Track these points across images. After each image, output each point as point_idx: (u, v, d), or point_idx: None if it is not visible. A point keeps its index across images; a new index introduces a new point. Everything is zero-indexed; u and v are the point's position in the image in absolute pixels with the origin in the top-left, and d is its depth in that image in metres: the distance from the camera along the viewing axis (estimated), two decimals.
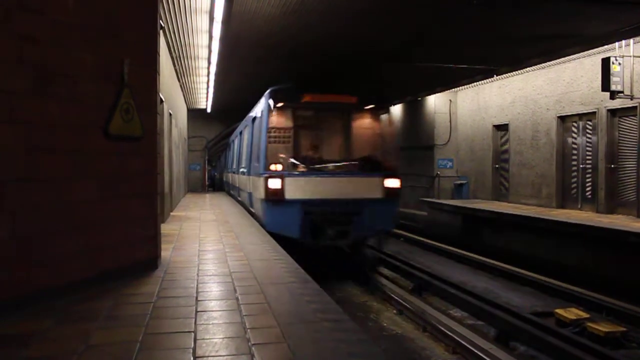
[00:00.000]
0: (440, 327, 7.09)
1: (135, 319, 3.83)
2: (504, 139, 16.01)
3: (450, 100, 18.33)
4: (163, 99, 9.20)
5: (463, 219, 14.38)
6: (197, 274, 5.37)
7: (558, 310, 7.60)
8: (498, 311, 7.59)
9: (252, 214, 11.74)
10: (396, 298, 8.78)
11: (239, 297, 4.45)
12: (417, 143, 19.16)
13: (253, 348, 3.23)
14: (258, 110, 11.08)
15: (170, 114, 11.67)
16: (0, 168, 3.94)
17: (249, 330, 3.58)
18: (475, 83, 16.11)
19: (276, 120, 10.23)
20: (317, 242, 9.32)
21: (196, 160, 27.17)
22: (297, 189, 9.24)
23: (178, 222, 10.51)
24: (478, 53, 11.76)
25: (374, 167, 10.11)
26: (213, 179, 32.55)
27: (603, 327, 6.64)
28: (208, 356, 3.11)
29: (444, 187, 17.65)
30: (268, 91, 10.28)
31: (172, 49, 11.66)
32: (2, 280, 3.95)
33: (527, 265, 10.80)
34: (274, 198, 9.11)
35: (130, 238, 5.32)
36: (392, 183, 9.81)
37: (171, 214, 12.03)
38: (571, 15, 8.70)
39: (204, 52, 11.95)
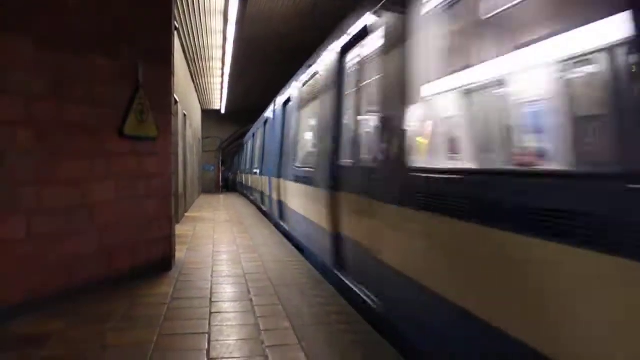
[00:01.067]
0: None
1: (149, 319, 3.83)
2: None
3: None
4: (177, 100, 9.25)
5: None
6: (212, 275, 5.37)
7: None
8: None
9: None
10: None
11: (253, 299, 4.44)
12: None
13: (267, 350, 3.22)
14: None
15: (184, 115, 11.73)
16: (17, 169, 3.97)
17: (263, 332, 3.56)
18: None
19: None
20: None
21: (210, 161, 27.32)
22: None
23: (192, 223, 10.55)
24: None
25: None
26: (227, 179, 32.69)
27: None
28: (222, 358, 3.10)
29: None
30: None
31: (186, 50, 11.71)
32: (19, 281, 3.99)
33: None
34: None
35: (145, 238, 5.34)
36: None
37: (185, 214, 12.09)
38: None
39: (218, 53, 11.99)
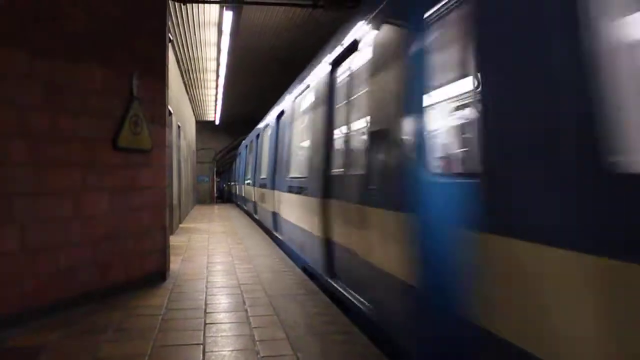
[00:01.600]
0: None
1: (144, 331, 3.81)
2: None
3: None
4: (172, 111, 9.26)
5: None
6: (206, 286, 5.35)
7: None
8: None
9: None
10: None
11: (248, 309, 4.43)
12: None
13: None
14: None
15: (178, 126, 11.74)
16: (11, 182, 3.96)
17: (258, 342, 3.55)
18: None
19: None
20: None
21: (204, 172, 27.29)
22: None
23: (187, 234, 10.51)
24: None
25: None
26: (222, 190, 32.64)
27: None
28: None
29: None
30: None
31: (180, 62, 11.76)
32: (12, 293, 3.96)
33: None
34: None
35: (139, 250, 5.32)
36: None
37: (180, 225, 12.05)
38: None
39: (212, 65, 12.05)
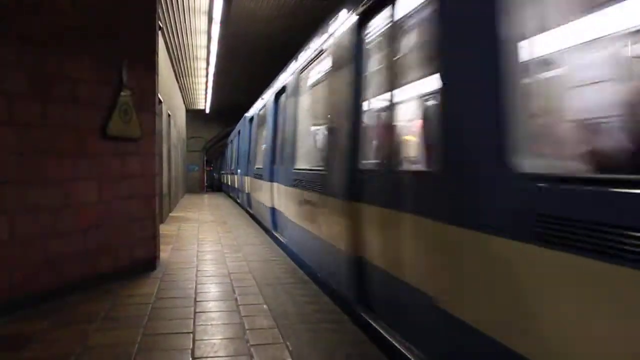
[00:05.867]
0: None
1: (133, 320, 3.82)
2: None
3: None
4: (162, 100, 9.19)
5: None
6: (196, 275, 5.36)
7: None
8: None
9: None
10: None
11: (238, 298, 4.45)
12: None
13: (252, 349, 3.23)
14: None
15: (168, 115, 11.66)
16: (0, 170, 3.94)
17: (247, 331, 3.58)
18: None
19: None
20: None
21: (195, 161, 27.17)
22: None
23: (176, 223, 10.49)
24: None
25: None
26: (212, 179, 32.55)
27: None
28: (207, 357, 3.11)
29: None
30: None
31: (170, 50, 11.65)
32: (1, 282, 3.94)
33: None
34: None
35: (129, 239, 5.31)
36: None
37: (170, 214, 12.02)
38: None
39: (202, 53, 11.95)
